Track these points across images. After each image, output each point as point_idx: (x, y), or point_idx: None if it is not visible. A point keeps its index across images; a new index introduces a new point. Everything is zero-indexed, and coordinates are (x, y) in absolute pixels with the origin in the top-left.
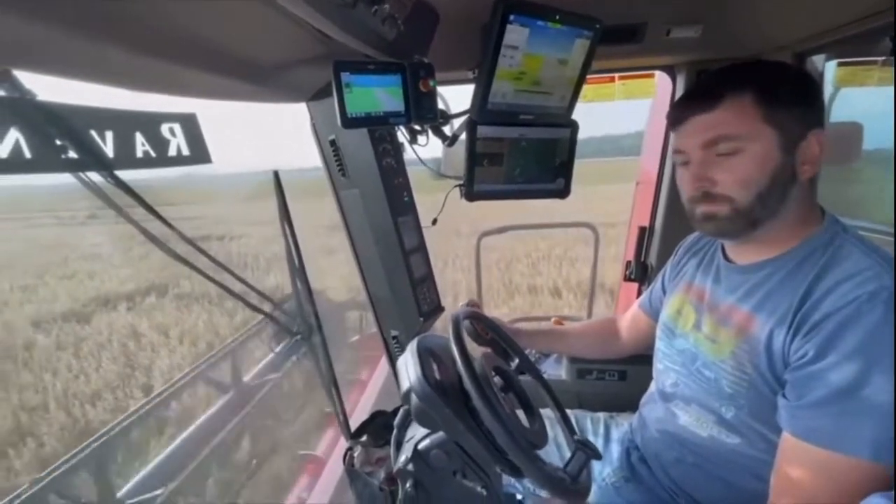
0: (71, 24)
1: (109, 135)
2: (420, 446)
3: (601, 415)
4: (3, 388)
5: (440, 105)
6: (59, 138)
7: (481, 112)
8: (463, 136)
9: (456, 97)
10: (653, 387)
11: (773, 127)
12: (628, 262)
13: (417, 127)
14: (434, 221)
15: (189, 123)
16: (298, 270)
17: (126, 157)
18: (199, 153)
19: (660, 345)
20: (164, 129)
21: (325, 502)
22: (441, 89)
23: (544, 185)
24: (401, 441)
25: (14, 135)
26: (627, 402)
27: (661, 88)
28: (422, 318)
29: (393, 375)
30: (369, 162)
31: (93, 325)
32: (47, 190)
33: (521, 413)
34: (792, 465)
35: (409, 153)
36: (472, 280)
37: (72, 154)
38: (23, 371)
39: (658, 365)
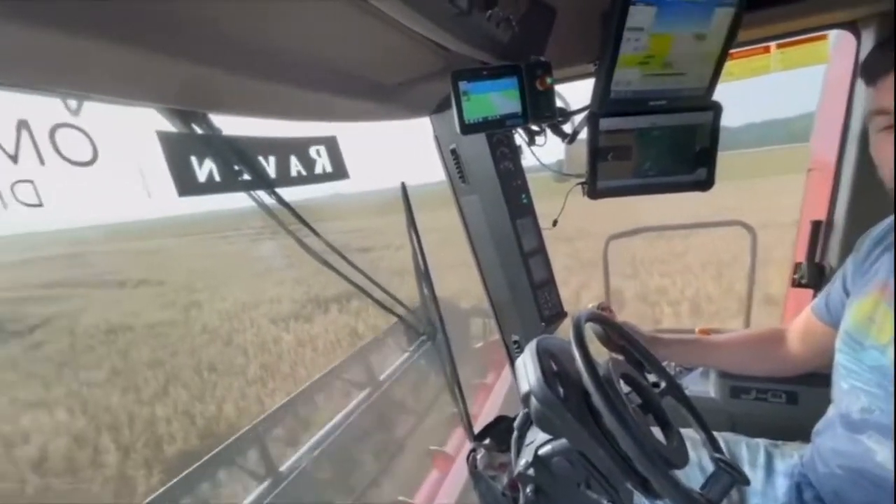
0: (247, 71)
1: (272, 159)
2: (541, 452)
3: (761, 441)
4: (271, 377)
5: (559, 103)
6: (237, 164)
7: (602, 104)
8: (585, 133)
9: (575, 94)
10: (832, 411)
11: None
12: (797, 265)
13: (535, 127)
14: (555, 223)
15: (331, 144)
16: (424, 275)
17: (284, 177)
18: (339, 170)
19: (841, 359)
20: (312, 151)
21: (454, 497)
22: (561, 87)
23: (681, 176)
24: (521, 444)
25: (209, 164)
26: (797, 430)
27: (837, 52)
28: (543, 324)
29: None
30: (487, 167)
31: (316, 324)
32: (216, 212)
33: (658, 431)
34: None
35: (530, 160)
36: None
37: (245, 177)
38: (280, 363)
39: (842, 384)
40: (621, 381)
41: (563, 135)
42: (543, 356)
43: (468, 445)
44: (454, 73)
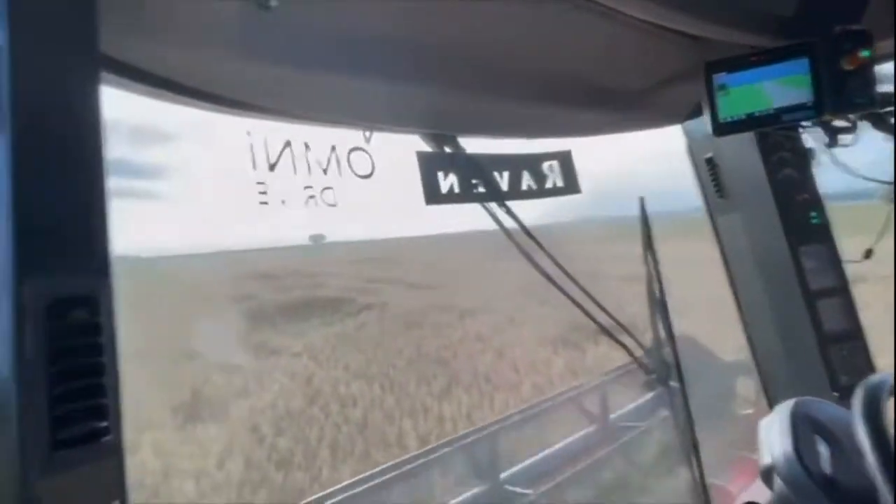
0: (492, 94)
1: (506, 174)
2: None
3: None
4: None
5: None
6: (473, 178)
7: None
8: None
9: None
10: None
11: None
12: None
13: (841, 123)
14: (868, 253)
15: (564, 159)
16: (659, 304)
17: (515, 190)
18: (571, 185)
19: None
20: (545, 166)
21: None
22: None
23: None
24: None
25: (452, 178)
26: None
27: None
28: (836, 394)
29: None
30: (756, 176)
31: (588, 353)
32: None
33: None
34: None
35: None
36: None
37: (480, 189)
38: (553, 390)
39: None
40: None
41: (889, 129)
42: (801, 423)
43: None
44: (708, 65)
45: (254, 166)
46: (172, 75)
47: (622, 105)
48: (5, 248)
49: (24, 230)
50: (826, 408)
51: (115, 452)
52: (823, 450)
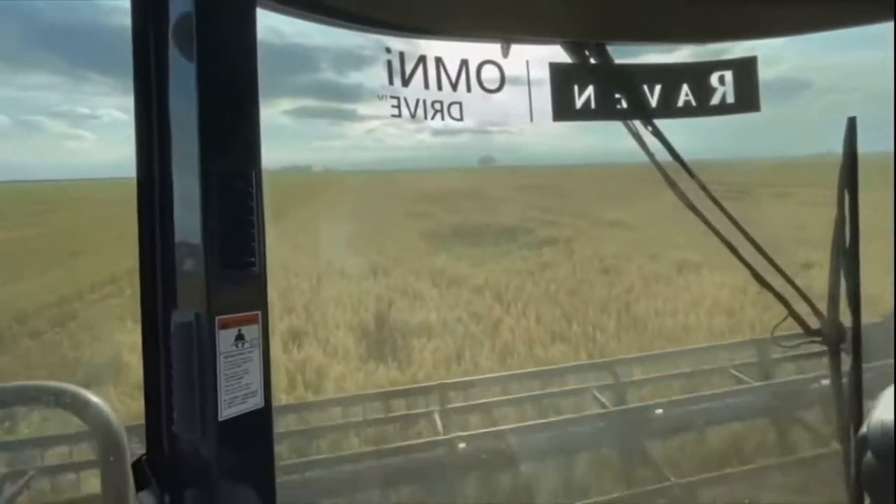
0: None
1: (658, 87)
2: None
3: None
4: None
5: None
6: (617, 92)
7: None
8: None
9: None
10: None
11: None
12: None
13: None
14: None
15: (744, 68)
16: (848, 253)
17: (666, 107)
18: (746, 101)
19: None
20: (714, 77)
21: None
22: None
23: None
24: None
25: (589, 91)
26: None
27: None
28: None
29: None
30: None
31: None
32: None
33: None
34: None
35: None
36: None
37: (623, 104)
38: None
39: None
40: None
41: None
42: None
43: None
44: None
45: (390, 82)
46: None
47: None
48: (196, 142)
49: (206, 129)
50: None
51: (260, 278)
52: None
